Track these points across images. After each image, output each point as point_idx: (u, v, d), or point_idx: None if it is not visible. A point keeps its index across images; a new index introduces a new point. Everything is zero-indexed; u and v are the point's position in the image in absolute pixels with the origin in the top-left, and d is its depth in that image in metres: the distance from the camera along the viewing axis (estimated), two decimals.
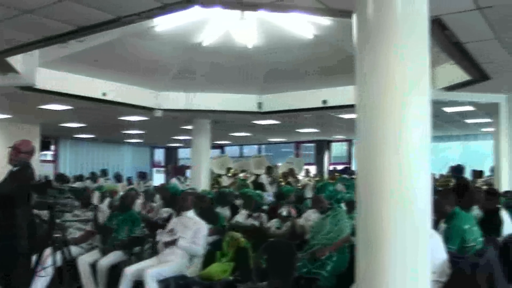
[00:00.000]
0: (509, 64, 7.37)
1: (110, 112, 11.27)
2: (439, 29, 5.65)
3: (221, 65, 9.14)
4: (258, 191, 8.79)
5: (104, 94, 9.43)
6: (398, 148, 3.69)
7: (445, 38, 6.03)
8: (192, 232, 5.70)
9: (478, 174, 12.79)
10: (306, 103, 10.62)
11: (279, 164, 15.78)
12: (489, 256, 4.61)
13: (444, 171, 13.90)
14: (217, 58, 8.70)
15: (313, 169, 19.38)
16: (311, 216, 6.44)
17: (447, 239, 4.83)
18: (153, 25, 7.17)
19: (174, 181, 12.13)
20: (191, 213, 5.96)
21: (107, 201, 9.29)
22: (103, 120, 13.47)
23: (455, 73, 8.06)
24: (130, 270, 5.52)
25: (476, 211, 6.68)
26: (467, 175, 12.53)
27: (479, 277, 4.14)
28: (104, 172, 16.66)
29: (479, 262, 4.35)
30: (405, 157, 3.68)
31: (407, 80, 3.75)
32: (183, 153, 23.52)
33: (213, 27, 7.51)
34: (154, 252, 6.11)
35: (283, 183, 12.36)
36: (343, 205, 6.59)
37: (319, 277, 5.15)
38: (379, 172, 3.72)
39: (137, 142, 21.54)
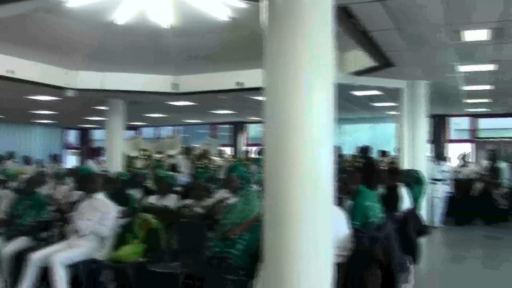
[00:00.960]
0: (407, 53, 7.84)
1: (17, 91, 10.83)
2: (346, 17, 5.91)
3: (136, 45, 9.00)
4: (171, 173, 8.82)
5: (10, 72, 9.03)
6: (303, 129, 3.84)
7: (352, 26, 6.30)
8: (100, 214, 5.67)
9: (383, 154, 13.52)
10: (222, 85, 10.68)
11: (196, 145, 15.80)
12: (387, 230, 4.95)
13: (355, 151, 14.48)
14: (132, 37, 8.56)
15: (230, 151, 19.60)
16: (223, 196, 6.56)
17: (352, 216, 5.13)
18: (64, 1, 6.96)
19: (90, 163, 11.87)
20: (100, 195, 5.91)
21: (12, 185, 8.96)
22: (10, 100, 12.91)
23: (363, 59, 8.41)
24: (36, 256, 5.36)
25: (381, 189, 7.12)
26: (375, 155, 13.16)
27: (377, 250, 4.44)
28: (11, 154, 15.97)
29: (378, 236, 4.66)
30: (310, 138, 3.83)
31: (312, 64, 3.89)
32: (98, 135, 22.96)
33: (128, 6, 7.37)
34: (63, 236, 5.93)
35: (203, 164, 12.42)
36: (255, 186, 6.78)
37: (231, 256, 5.27)
38: (285, 152, 3.86)
39: (48, 123, 20.80)
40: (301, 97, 3.87)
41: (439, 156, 12.08)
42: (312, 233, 3.82)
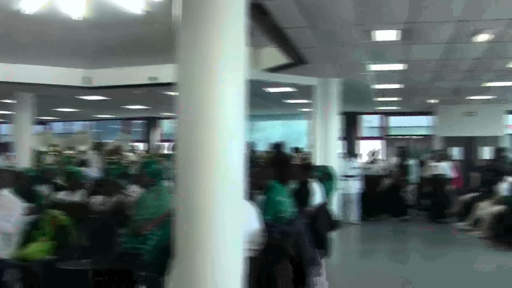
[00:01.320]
0: (320, 50, 8.05)
1: None
2: (261, 13, 5.98)
3: (46, 36, 8.63)
4: (81, 168, 8.60)
5: None
6: (216, 122, 3.83)
7: (266, 23, 6.38)
8: (5, 210, 5.41)
9: (296, 150, 13.82)
10: (135, 79, 10.50)
11: (109, 141, 15.47)
12: (298, 224, 5.06)
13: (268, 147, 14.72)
14: (42, 28, 8.20)
15: (143, 146, 19.37)
16: (134, 192, 6.47)
17: (263, 210, 5.19)
18: None
19: None
20: (5, 192, 5.63)
21: None
22: None
23: (277, 56, 8.53)
24: None
25: (294, 184, 7.27)
26: (288, 151, 13.40)
27: (288, 244, 4.52)
28: None
29: (288, 230, 4.76)
30: (221, 130, 3.84)
31: (225, 57, 3.90)
32: (5, 129, 21.85)
33: None
34: None
35: (115, 160, 12.18)
36: (167, 181, 6.72)
37: (143, 252, 5.19)
38: (197, 145, 3.84)
39: None
40: (213, 90, 3.87)
41: (351, 152, 12.48)
42: (223, 225, 3.84)
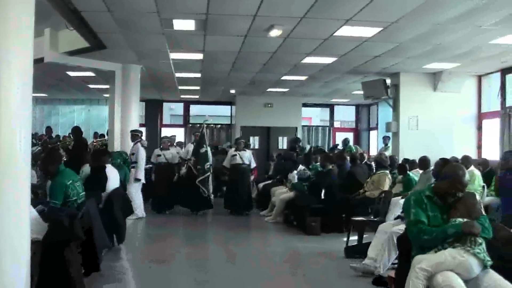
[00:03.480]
0: (119, 36, 8.03)
1: None
2: None
3: None
4: None
5: None
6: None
7: (63, 4, 6.22)
8: None
9: (96, 135, 13.50)
10: None
11: None
12: (89, 208, 5.11)
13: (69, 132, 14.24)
14: None
15: None
16: None
17: (52, 195, 5.12)
18: None
19: None
20: None
21: None
22: None
23: (77, 39, 8.27)
24: None
25: (87, 168, 7.23)
26: (91, 137, 13.09)
27: (77, 227, 4.54)
28: None
29: (78, 214, 4.79)
30: (4, 117, 3.78)
31: (7, 41, 3.81)
32: None
33: None
34: None
35: None
36: None
37: None
38: None
39: None
40: None
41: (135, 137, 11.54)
42: (8, 210, 3.79)
